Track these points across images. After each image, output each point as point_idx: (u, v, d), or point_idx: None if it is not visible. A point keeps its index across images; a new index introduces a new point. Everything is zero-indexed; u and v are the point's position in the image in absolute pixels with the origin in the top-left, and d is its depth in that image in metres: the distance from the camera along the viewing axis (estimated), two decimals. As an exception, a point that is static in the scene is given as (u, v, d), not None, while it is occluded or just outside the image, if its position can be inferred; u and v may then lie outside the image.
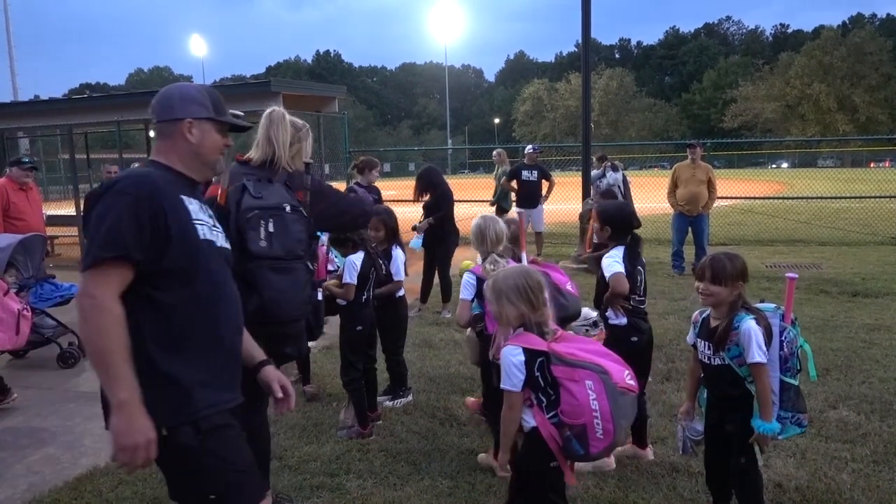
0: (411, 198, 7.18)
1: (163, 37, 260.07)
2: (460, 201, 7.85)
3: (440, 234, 6.93)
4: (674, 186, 9.07)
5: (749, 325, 2.56)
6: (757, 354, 2.51)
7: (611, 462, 3.37)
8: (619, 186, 10.15)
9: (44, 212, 9.39)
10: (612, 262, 3.33)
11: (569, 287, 3.32)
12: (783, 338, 2.60)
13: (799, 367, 2.64)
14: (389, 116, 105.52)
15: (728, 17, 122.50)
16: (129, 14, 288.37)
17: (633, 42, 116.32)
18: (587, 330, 5.85)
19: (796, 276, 2.72)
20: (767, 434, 2.55)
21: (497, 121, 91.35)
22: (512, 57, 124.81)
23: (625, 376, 2.23)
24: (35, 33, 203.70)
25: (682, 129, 74.98)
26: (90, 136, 15.22)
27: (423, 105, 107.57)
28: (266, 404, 2.91)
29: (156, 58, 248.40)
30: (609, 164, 10.32)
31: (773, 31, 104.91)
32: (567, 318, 3.28)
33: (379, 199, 6.96)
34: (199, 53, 67.30)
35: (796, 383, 2.62)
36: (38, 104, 14.06)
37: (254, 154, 2.81)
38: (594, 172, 9.97)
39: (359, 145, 39.98)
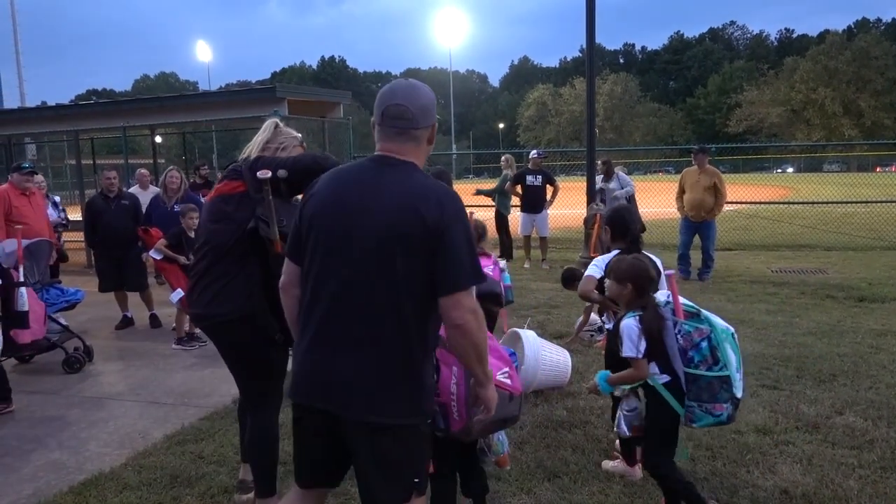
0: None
1: (169, 43, 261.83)
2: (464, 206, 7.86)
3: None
4: (681, 191, 9.01)
5: (624, 322, 2.78)
6: (627, 349, 2.75)
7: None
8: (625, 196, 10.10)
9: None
10: (593, 266, 3.46)
11: (487, 271, 3.65)
12: (677, 331, 2.72)
13: (715, 360, 2.64)
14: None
15: (732, 22, 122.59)
16: (136, 20, 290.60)
17: (638, 47, 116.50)
18: (592, 335, 5.86)
19: (672, 271, 2.94)
20: (599, 387, 2.94)
21: (501, 126, 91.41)
22: (516, 62, 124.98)
23: (497, 374, 2.31)
24: (42, 40, 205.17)
25: (686, 133, 74.92)
26: (96, 142, 15.28)
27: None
28: (279, 406, 2.91)
29: (162, 64, 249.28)
30: (613, 172, 10.23)
31: (777, 36, 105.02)
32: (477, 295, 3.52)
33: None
34: (204, 59, 67.54)
35: (709, 375, 2.64)
36: (44, 110, 14.14)
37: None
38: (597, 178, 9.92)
39: (364, 150, 39.77)
